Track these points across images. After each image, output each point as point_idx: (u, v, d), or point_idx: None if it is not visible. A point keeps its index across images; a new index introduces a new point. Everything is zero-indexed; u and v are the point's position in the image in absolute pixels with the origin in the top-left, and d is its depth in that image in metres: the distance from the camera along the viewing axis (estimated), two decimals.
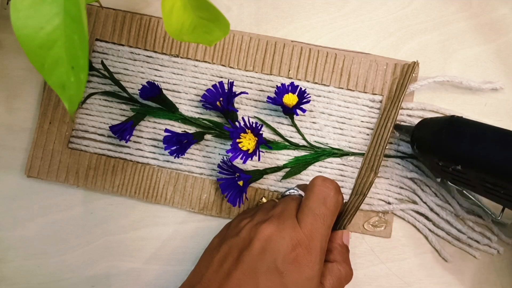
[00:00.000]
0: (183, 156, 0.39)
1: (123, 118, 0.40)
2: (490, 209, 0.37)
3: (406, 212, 0.39)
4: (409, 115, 0.40)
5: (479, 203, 0.37)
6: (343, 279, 0.33)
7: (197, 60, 0.40)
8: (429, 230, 0.39)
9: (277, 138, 0.40)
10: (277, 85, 0.39)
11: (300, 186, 0.37)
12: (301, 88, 0.38)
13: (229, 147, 0.39)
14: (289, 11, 0.41)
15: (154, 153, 0.40)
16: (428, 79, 0.39)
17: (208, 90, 0.39)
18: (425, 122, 0.36)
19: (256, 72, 0.40)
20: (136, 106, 0.40)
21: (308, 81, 0.40)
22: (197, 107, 0.40)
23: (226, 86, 0.39)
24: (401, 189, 0.39)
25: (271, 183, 0.39)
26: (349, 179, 0.39)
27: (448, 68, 0.41)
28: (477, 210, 0.38)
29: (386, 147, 0.38)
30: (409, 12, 0.41)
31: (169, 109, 0.39)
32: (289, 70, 0.40)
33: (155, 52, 0.40)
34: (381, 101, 0.40)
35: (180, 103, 0.40)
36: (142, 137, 0.40)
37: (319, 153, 0.39)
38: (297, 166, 0.39)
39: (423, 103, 0.40)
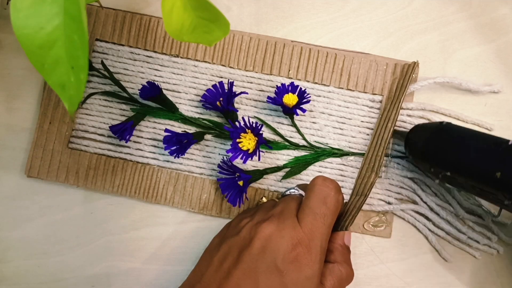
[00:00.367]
0: (183, 156, 0.39)
1: (123, 118, 0.40)
2: (490, 210, 0.37)
3: (406, 212, 0.39)
4: (409, 115, 0.40)
5: (477, 202, 0.37)
6: (344, 280, 0.33)
7: (197, 60, 0.40)
8: (429, 230, 0.39)
9: (277, 138, 0.40)
10: (277, 85, 0.39)
11: (300, 186, 0.37)
12: (301, 88, 0.38)
13: (229, 147, 0.39)
14: (289, 11, 0.41)
15: (154, 153, 0.40)
16: (428, 80, 0.39)
17: (208, 90, 0.39)
18: (416, 129, 0.36)
19: (256, 72, 0.40)
20: (136, 106, 0.40)
21: (308, 81, 0.40)
22: (197, 107, 0.40)
23: (226, 86, 0.39)
24: (401, 189, 0.39)
25: (271, 183, 0.39)
26: (349, 179, 0.39)
27: (448, 68, 0.41)
28: (477, 210, 0.38)
29: (386, 147, 0.38)
30: (409, 12, 0.41)
31: (169, 109, 0.39)
32: (289, 70, 0.40)
33: (155, 52, 0.40)
34: (381, 101, 0.40)
35: (180, 103, 0.40)
36: (142, 137, 0.40)
37: (319, 153, 0.39)
38: (297, 166, 0.39)
39: (423, 103, 0.40)
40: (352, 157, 0.40)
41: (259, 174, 0.38)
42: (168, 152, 0.37)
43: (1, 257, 0.39)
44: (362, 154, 0.40)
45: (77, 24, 0.24)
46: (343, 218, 0.36)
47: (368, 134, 0.40)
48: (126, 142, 0.39)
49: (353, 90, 0.40)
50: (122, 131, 0.37)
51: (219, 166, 0.38)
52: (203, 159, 0.40)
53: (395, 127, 0.39)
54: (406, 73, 0.39)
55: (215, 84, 0.39)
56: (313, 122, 0.40)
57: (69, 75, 0.25)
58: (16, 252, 0.39)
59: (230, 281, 0.30)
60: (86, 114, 0.40)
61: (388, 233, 0.39)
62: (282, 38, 0.41)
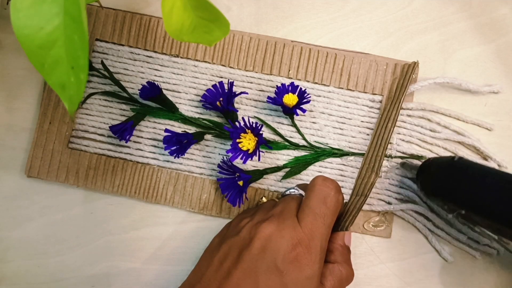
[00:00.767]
0: (183, 156, 0.39)
1: (123, 118, 0.40)
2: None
3: (406, 212, 0.39)
4: (409, 115, 0.40)
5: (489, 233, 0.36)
6: (344, 280, 0.33)
7: (197, 60, 0.40)
8: (429, 230, 0.39)
9: (277, 138, 0.40)
10: (277, 85, 0.39)
11: (300, 186, 0.37)
12: (301, 88, 0.38)
13: (229, 147, 0.39)
14: (289, 11, 0.41)
15: (154, 153, 0.40)
16: (428, 80, 0.39)
17: (208, 90, 0.39)
18: (427, 164, 0.35)
19: (256, 72, 0.40)
20: (136, 106, 0.40)
21: (308, 81, 0.40)
22: (197, 107, 0.40)
23: (226, 86, 0.39)
24: (401, 189, 0.39)
25: (271, 183, 0.39)
26: (349, 179, 0.39)
27: (448, 68, 0.41)
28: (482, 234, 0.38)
29: (386, 148, 0.38)
30: (409, 12, 0.41)
31: (169, 109, 0.39)
32: (289, 70, 0.40)
33: (155, 52, 0.40)
34: (381, 101, 0.40)
35: (180, 103, 0.40)
36: (142, 137, 0.40)
37: (319, 153, 0.39)
38: (297, 166, 0.39)
39: (423, 103, 0.40)
40: (352, 157, 0.40)
41: (259, 174, 0.38)
42: (168, 152, 0.37)
43: (1, 257, 0.39)
44: (362, 154, 0.40)
45: (77, 24, 0.24)
46: (343, 218, 0.36)
47: (368, 134, 0.40)
48: (126, 142, 0.39)
49: (353, 90, 0.40)
50: (122, 131, 0.37)
51: (219, 166, 0.38)
52: (203, 159, 0.40)
53: (404, 161, 0.38)
54: (406, 73, 0.39)
55: (215, 84, 0.39)
56: (313, 122, 0.40)
57: (69, 75, 0.25)
58: (16, 252, 0.39)
59: (230, 281, 0.30)
60: (86, 114, 0.40)
61: (388, 233, 0.39)
62: (282, 38, 0.41)
